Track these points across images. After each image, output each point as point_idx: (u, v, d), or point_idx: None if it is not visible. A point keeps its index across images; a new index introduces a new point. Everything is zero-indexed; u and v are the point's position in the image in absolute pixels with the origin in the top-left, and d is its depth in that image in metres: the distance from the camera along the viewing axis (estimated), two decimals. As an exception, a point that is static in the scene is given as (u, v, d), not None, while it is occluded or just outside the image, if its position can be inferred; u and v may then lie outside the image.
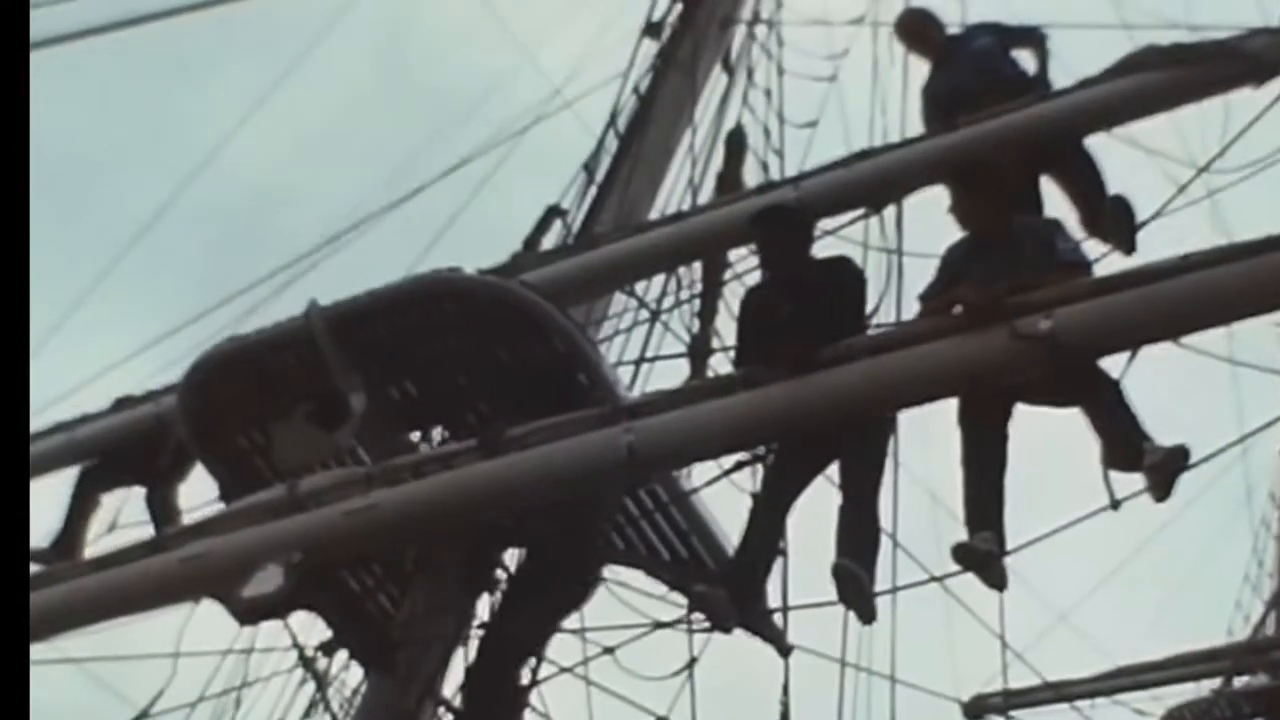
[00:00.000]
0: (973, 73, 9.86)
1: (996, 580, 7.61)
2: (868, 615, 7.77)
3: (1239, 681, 15.46)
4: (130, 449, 10.60)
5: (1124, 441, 7.35)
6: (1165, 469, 7.21)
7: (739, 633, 8.25)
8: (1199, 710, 14.92)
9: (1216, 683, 15.31)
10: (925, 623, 10.35)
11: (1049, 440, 7.82)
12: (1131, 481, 7.30)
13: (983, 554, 7.47)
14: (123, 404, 10.74)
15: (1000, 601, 8.71)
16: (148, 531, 9.78)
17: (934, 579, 7.89)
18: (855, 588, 7.61)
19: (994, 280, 7.64)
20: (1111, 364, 7.34)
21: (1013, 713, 13.68)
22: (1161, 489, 7.25)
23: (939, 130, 9.46)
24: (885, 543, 7.96)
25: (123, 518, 10.63)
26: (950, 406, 7.69)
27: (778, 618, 8.27)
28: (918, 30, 10.64)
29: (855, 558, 7.63)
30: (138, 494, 10.72)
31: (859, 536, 7.75)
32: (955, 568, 7.55)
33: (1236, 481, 19.47)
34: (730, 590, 7.98)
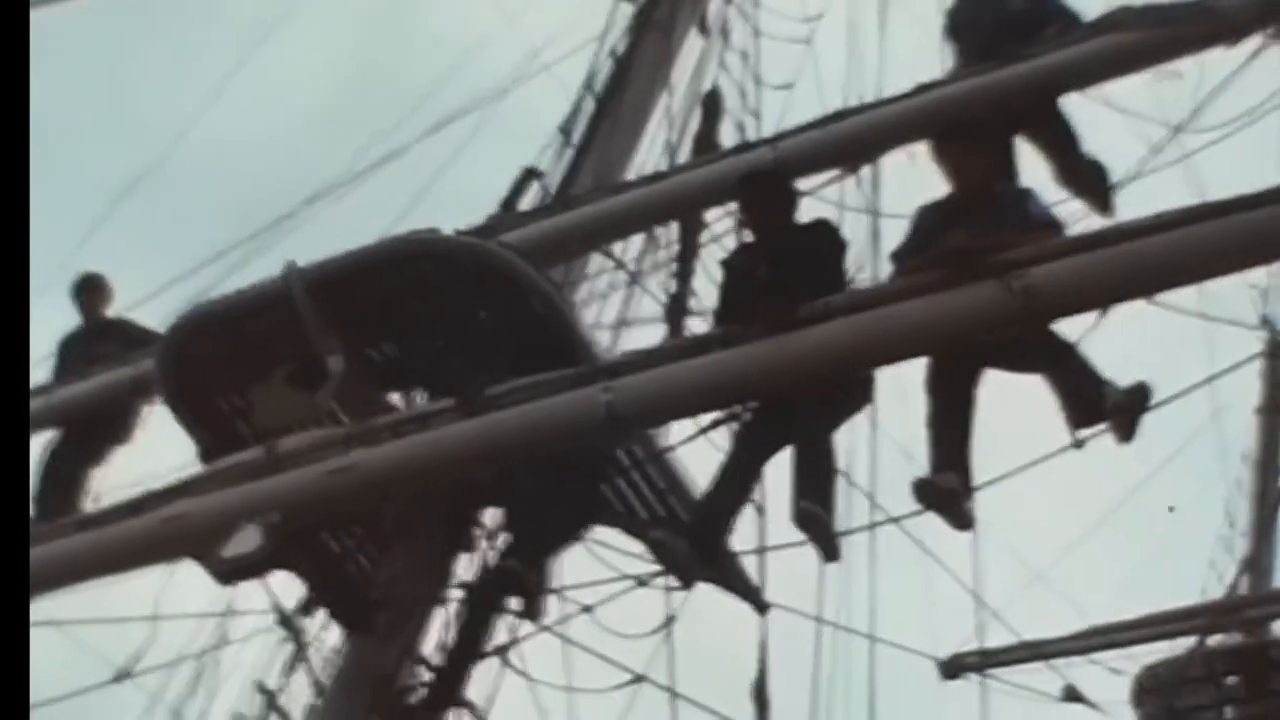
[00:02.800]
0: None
1: (961, 520, 7.60)
2: (831, 552, 7.82)
3: (1213, 640, 15.51)
4: (102, 414, 10.66)
5: (1086, 395, 7.38)
6: (1127, 409, 7.25)
7: (718, 592, 8.30)
8: (1174, 669, 14.94)
9: (1191, 641, 15.36)
10: (903, 582, 10.41)
11: (1016, 393, 7.83)
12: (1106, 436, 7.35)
13: (945, 491, 7.46)
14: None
15: (975, 560, 8.77)
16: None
17: (891, 519, 7.91)
18: (816, 528, 7.66)
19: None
20: (1082, 322, 7.38)
21: (989, 671, 13.71)
22: (1124, 429, 7.28)
23: (917, 89, 9.44)
24: (857, 497, 8.02)
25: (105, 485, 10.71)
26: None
27: (755, 576, 8.33)
28: None
29: (813, 497, 7.69)
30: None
31: (815, 476, 7.83)
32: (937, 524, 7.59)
33: (1210, 441, 19.54)
34: (691, 538, 8.03)
